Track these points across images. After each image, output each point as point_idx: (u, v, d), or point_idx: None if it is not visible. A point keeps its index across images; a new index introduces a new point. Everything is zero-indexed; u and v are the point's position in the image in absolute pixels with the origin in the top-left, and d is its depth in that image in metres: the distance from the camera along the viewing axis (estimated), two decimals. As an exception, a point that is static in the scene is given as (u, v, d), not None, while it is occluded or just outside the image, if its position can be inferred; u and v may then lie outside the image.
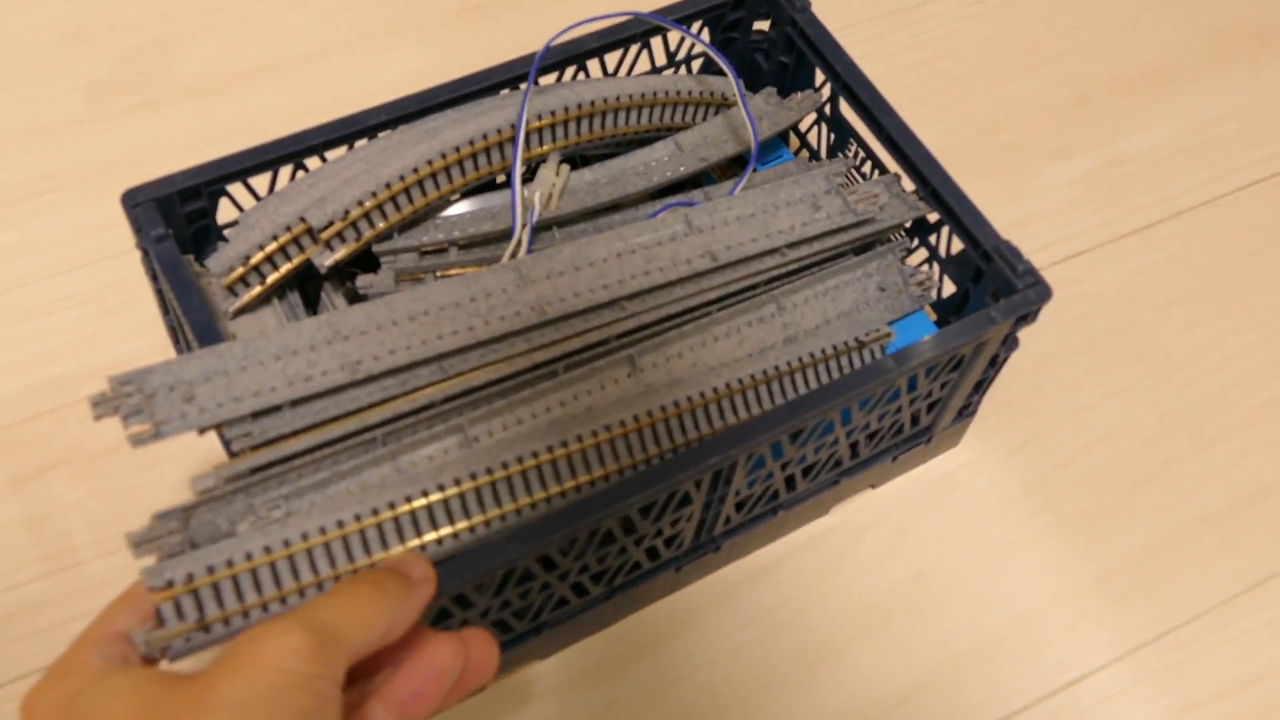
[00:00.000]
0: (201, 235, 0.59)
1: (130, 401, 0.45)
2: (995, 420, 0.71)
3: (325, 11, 0.87)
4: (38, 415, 0.68)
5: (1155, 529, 0.68)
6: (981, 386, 0.64)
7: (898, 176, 0.64)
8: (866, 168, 0.67)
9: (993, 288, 0.60)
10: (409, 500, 0.47)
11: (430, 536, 0.47)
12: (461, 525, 0.48)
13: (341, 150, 0.60)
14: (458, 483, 0.48)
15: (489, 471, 0.48)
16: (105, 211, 0.70)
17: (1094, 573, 0.67)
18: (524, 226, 0.59)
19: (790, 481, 0.60)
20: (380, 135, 0.61)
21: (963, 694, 0.63)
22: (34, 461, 0.67)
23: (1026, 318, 0.58)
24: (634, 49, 0.67)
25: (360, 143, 0.60)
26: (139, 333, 0.71)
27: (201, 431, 0.47)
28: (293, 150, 0.58)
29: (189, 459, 0.67)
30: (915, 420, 0.63)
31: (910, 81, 0.86)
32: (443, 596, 0.47)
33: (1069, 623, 0.65)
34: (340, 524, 0.45)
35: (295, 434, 0.49)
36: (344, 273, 0.60)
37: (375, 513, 0.46)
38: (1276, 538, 0.68)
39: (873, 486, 0.68)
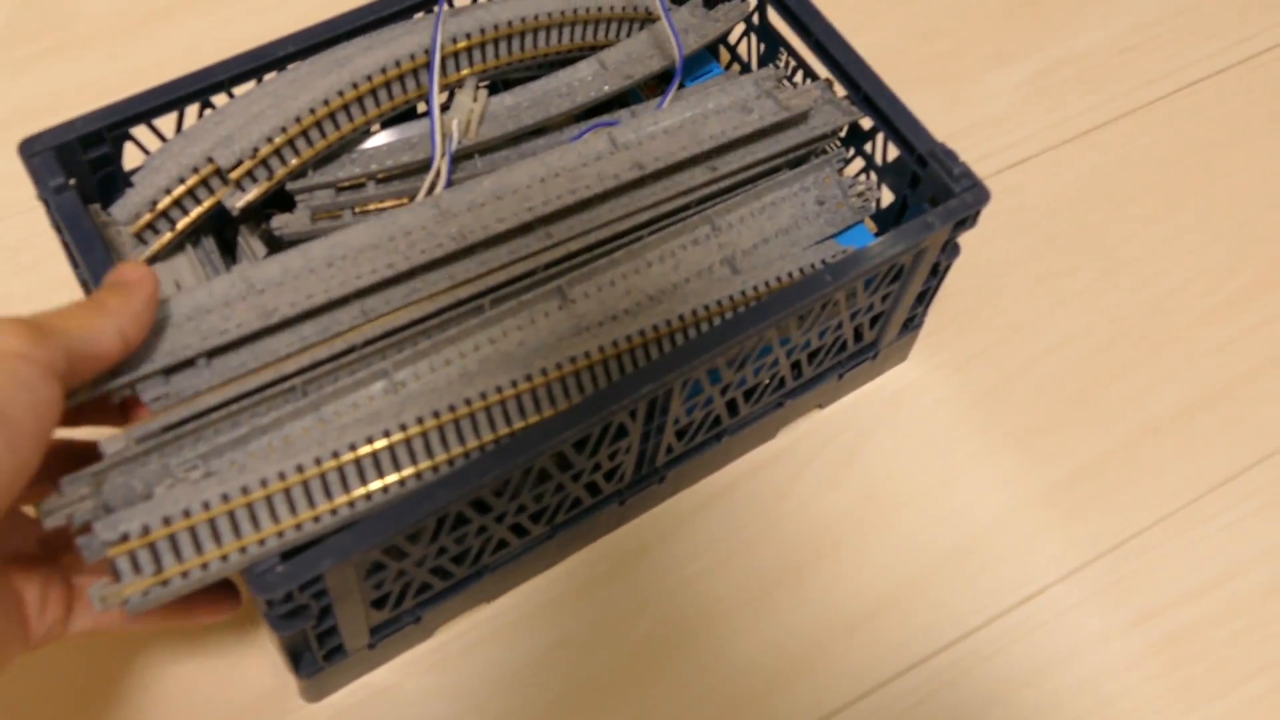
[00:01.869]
0: (108, 183, 0.56)
1: None
2: (943, 335, 0.69)
3: None
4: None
5: (1108, 437, 0.67)
6: (925, 297, 0.63)
7: (830, 82, 0.62)
8: (799, 78, 0.65)
9: (930, 193, 0.58)
10: (336, 455, 0.45)
11: (359, 492, 0.45)
12: (392, 479, 0.46)
13: (250, 85, 0.57)
14: (387, 434, 0.46)
15: (419, 421, 0.46)
16: (8, 164, 0.67)
17: (1047, 485, 0.66)
18: (442, 156, 0.56)
19: (732, 406, 0.59)
20: (289, 67, 0.58)
21: (918, 614, 0.62)
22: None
23: (965, 222, 0.57)
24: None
25: (269, 76, 0.58)
26: (52, 291, 0.67)
27: (119, 401, 0.45)
28: (198, 88, 0.55)
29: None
30: (859, 336, 0.62)
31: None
32: (373, 549, 0.45)
33: (1024, 537, 0.64)
34: (300, 468, 0.44)
35: (211, 390, 0.47)
36: (260, 214, 0.58)
37: (300, 470, 0.44)
38: (1230, 441, 0.67)
39: (820, 407, 0.66)
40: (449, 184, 0.56)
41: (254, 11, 0.81)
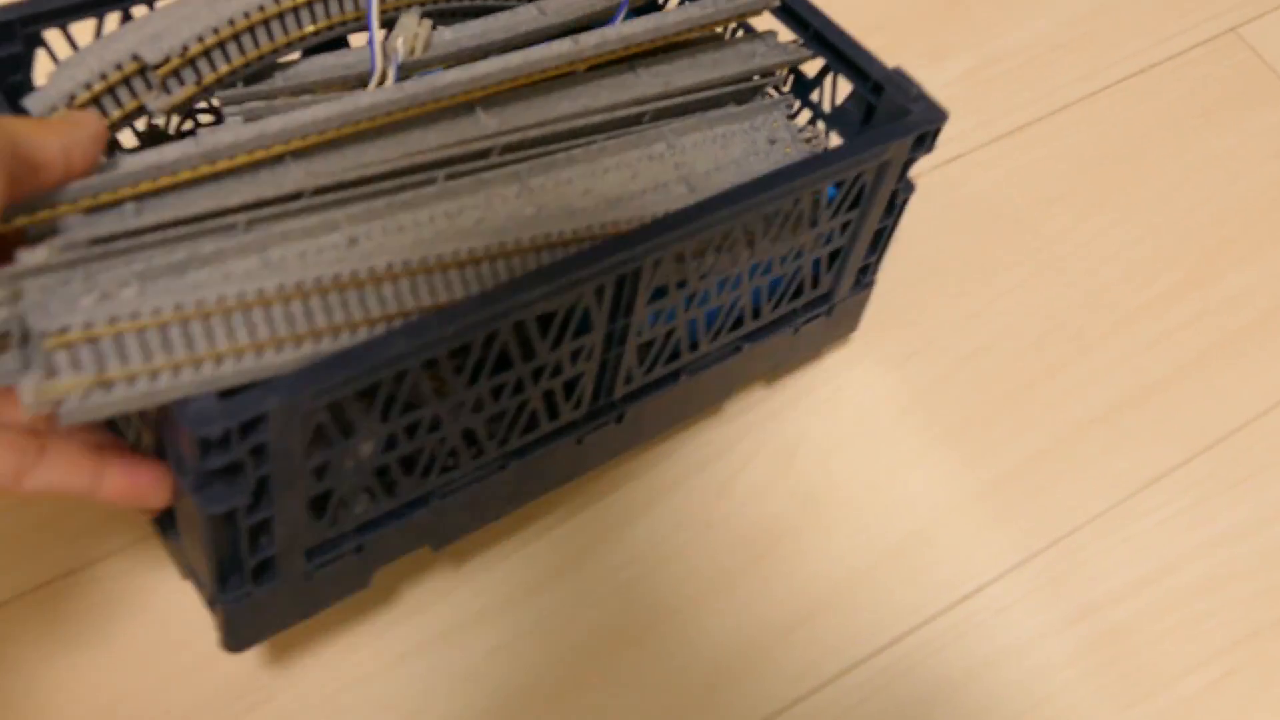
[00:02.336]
0: (18, 93, 0.52)
1: None
2: (880, 332, 0.68)
3: None
4: None
5: (1043, 435, 0.66)
6: (880, 242, 0.61)
7: (772, 33, 0.61)
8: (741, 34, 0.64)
9: (887, 119, 0.57)
10: (297, 287, 0.41)
11: (322, 325, 0.41)
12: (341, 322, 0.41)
13: None
14: (345, 277, 0.42)
15: (372, 271, 0.43)
16: None
17: (983, 483, 0.64)
18: (386, 61, 0.54)
19: (693, 334, 0.56)
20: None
21: (858, 613, 0.59)
22: None
23: (924, 141, 0.56)
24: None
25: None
26: None
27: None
28: (121, -11, 0.53)
29: None
30: (816, 281, 0.60)
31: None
32: (321, 397, 0.41)
33: (962, 535, 0.62)
34: (261, 292, 0.40)
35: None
36: (187, 132, 0.54)
37: (261, 294, 0.40)
38: (1162, 437, 0.66)
39: (768, 382, 0.63)
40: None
41: None
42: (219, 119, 0.53)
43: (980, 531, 0.62)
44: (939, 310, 0.70)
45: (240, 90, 0.52)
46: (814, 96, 0.62)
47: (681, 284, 0.52)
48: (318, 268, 0.42)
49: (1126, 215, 0.75)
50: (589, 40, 0.54)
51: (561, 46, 0.54)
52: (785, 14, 0.60)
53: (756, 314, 0.58)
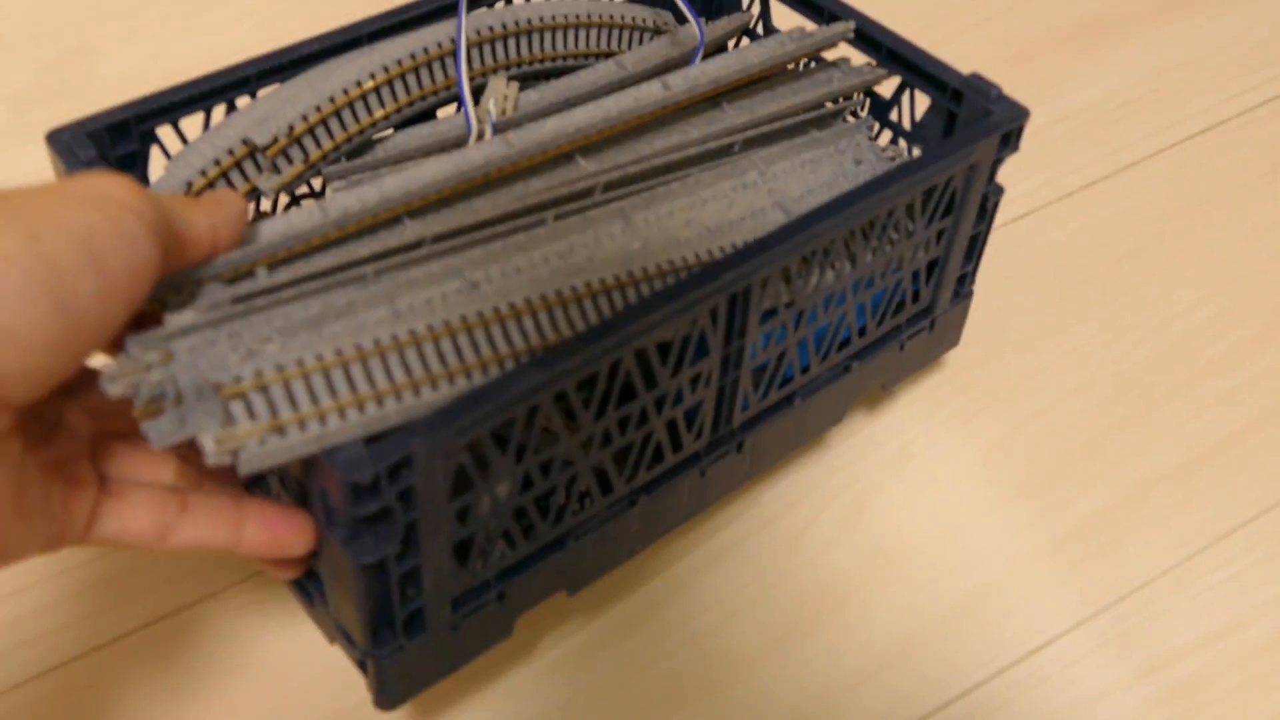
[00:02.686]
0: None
1: None
2: (950, 388, 0.68)
3: (249, 8, 0.84)
4: None
5: (1112, 490, 0.65)
6: (975, 249, 0.61)
7: (846, 60, 0.63)
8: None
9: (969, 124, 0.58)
10: (437, 329, 0.42)
11: (471, 362, 0.43)
12: (473, 362, 0.43)
13: (275, 87, 0.57)
14: (465, 320, 0.43)
15: (496, 311, 0.44)
16: None
17: (1052, 538, 0.63)
18: (481, 128, 0.56)
19: (804, 362, 0.56)
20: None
21: (926, 667, 0.58)
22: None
23: (1010, 139, 0.56)
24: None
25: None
26: None
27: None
28: (226, 83, 0.55)
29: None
30: (917, 295, 0.60)
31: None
32: (461, 435, 0.42)
33: (1029, 589, 0.61)
34: (413, 333, 0.42)
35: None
36: (298, 201, 0.56)
37: (413, 334, 0.42)
38: (1232, 493, 0.65)
39: (884, 387, 0.64)
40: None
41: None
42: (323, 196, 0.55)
43: (1049, 586, 0.61)
44: (1008, 366, 0.70)
45: (344, 165, 0.55)
46: (893, 116, 0.63)
47: (789, 304, 0.53)
48: (444, 312, 0.44)
49: (1196, 272, 0.75)
50: (678, 84, 0.56)
51: (653, 90, 0.55)
52: (858, 38, 0.61)
53: (863, 332, 0.59)
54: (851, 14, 0.61)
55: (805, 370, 0.57)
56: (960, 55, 0.84)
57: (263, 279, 0.44)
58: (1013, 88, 0.82)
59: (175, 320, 0.40)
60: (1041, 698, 0.57)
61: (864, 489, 0.64)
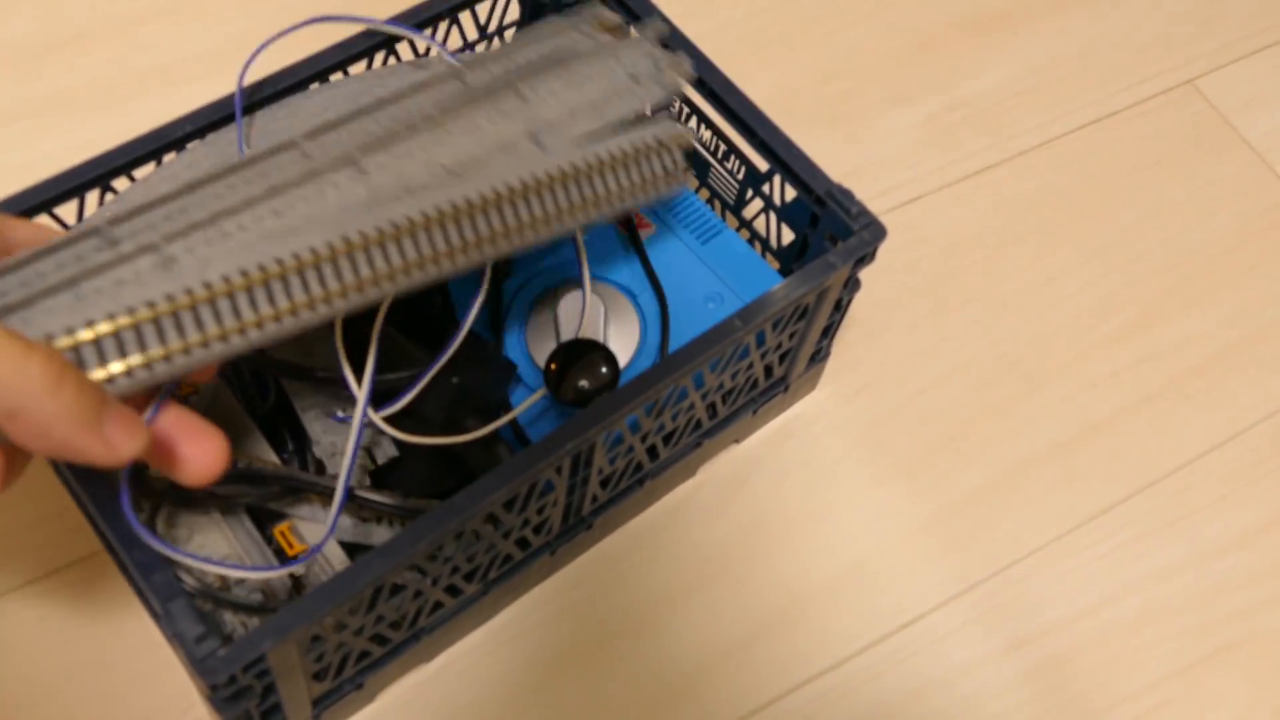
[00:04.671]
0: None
1: None
2: (832, 366, 0.71)
3: None
4: None
5: (989, 469, 0.70)
6: (830, 331, 0.65)
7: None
8: (692, 123, 0.66)
9: (829, 231, 0.60)
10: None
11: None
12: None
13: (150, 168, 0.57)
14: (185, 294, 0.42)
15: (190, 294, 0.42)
16: None
17: (929, 514, 0.68)
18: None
19: (653, 451, 0.60)
20: (189, 146, 0.58)
21: (799, 639, 0.63)
22: None
23: (865, 259, 0.58)
24: (442, 25, 0.64)
25: (168, 157, 0.58)
26: None
27: None
28: (97, 174, 0.55)
29: None
30: (769, 373, 0.63)
31: (746, 32, 0.85)
32: (314, 623, 0.46)
33: (904, 565, 0.66)
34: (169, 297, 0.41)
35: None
36: None
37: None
38: (1105, 474, 0.70)
39: (736, 442, 0.68)
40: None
41: (158, 44, 0.80)
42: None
43: (923, 562, 0.66)
44: (890, 346, 0.73)
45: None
46: (765, 188, 0.64)
47: (635, 429, 0.56)
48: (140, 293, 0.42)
49: (1080, 259, 0.77)
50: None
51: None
52: (733, 119, 0.61)
53: (714, 414, 0.62)
54: (731, 93, 0.61)
55: (654, 456, 0.61)
56: (859, 42, 0.85)
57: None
58: (908, 75, 0.84)
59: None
60: (911, 670, 0.63)
61: (743, 464, 0.68)
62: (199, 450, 0.43)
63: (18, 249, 0.43)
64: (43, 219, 0.55)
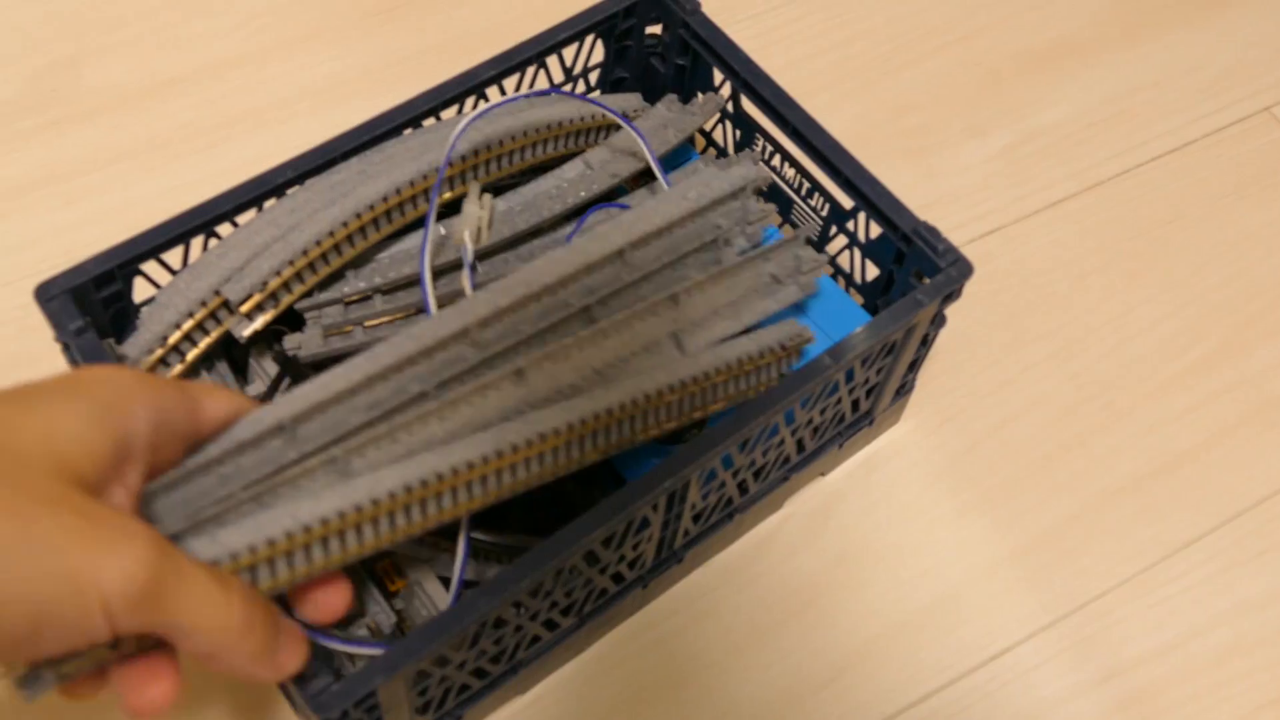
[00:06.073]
0: (120, 316, 0.58)
1: None
2: (917, 399, 0.71)
3: (236, 21, 0.85)
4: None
5: (1073, 501, 0.70)
6: (915, 365, 0.65)
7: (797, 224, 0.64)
8: (775, 160, 0.67)
9: (915, 268, 0.60)
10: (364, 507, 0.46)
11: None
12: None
13: (251, 214, 0.59)
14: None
15: (374, 503, 0.46)
16: (19, 232, 0.75)
17: (1014, 546, 0.68)
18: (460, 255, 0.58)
19: (743, 486, 0.61)
20: (289, 192, 0.60)
21: (886, 672, 0.64)
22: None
23: (951, 296, 0.59)
24: (530, 70, 0.66)
25: (269, 203, 0.59)
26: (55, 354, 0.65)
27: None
28: (201, 221, 0.57)
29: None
30: (856, 407, 0.64)
31: (820, 67, 0.86)
32: (423, 659, 0.47)
33: (990, 597, 0.66)
34: (341, 514, 0.45)
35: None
36: (272, 334, 0.59)
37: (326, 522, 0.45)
38: (1190, 505, 0.70)
39: (823, 475, 0.68)
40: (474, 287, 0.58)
41: (248, 87, 0.83)
42: (297, 321, 0.58)
43: (1009, 594, 0.67)
44: (973, 379, 0.73)
45: (318, 299, 0.58)
46: (850, 224, 0.65)
47: (729, 464, 0.57)
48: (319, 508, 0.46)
49: (1159, 289, 0.77)
50: (634, 252, 0.57)
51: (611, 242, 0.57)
52: (817, 156, 0.62)
53: (801, 448, 0.63)
54: (814, 130, 0.62)
55: (744, 491, 0.62)
56: (933, 75, 0.86)
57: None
58: (982, 108, 0.85)
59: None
60: (999, 703, 0.63)
61: (829, 497, 0.69)
62: (332, 596, 0.47)
63: (209, 423, 0.45)
64: (149, 264, 0.57)
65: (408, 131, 0.62)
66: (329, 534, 0.45)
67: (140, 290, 0.58)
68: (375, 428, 0.48)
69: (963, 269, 0.58)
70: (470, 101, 0.64)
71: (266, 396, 0.58)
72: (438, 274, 0.59)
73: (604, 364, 0.53)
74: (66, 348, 0.54)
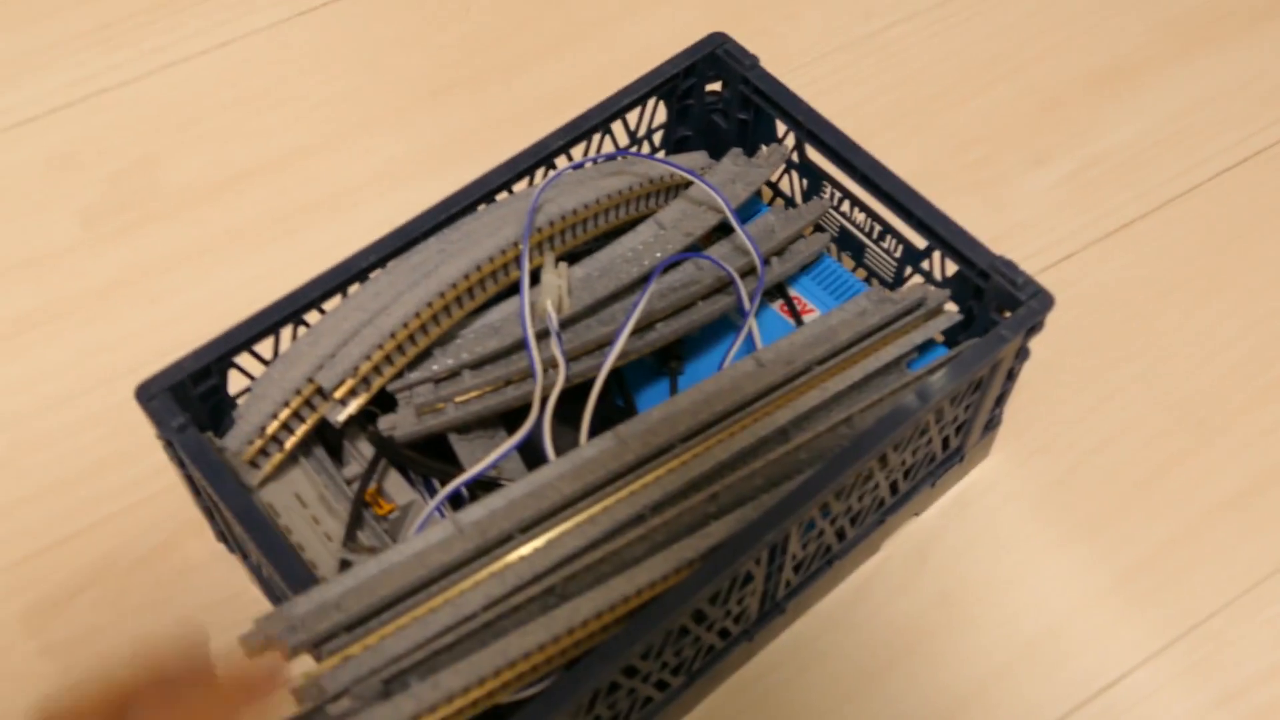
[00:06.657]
0: (217, 410, 0.59)
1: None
2: (1004, 433, 0.71)
3: (299, 112, 0.87)
4: (60, 541, 0.68)
5: (1173, 523, 0.69)
6: (1002, 399, 0.65)
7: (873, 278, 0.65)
8: (845, 206, 0.68)
9: (996, 303, 0.60)
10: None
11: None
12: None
13: (337, 299, 0.60)
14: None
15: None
16: (109, 332, 0.76)
17: (1117, 573, 0.67)
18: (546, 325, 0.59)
19: (840, 532, 0.61)
20: (372, 276, 0.61)
21: (1000, 711, 0.63)
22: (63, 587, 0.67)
23: (1035, 328, 0.59)
24: (596, 137, 0.67)
25: (354, 288, 0.61)
26: (152, 450, 0.66)
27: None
28: (290, 311, 0.58)
29: (219, 566, 0.67)
30: (946, 444, 0.64)
31: (879, 108, 0.86)
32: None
33: (1098, 626, 0.66)
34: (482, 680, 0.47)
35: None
36: (365, 415, 0.60)
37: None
38: None
39: (917, 514, 0.68)
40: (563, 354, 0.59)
41: (317, 175, 0.84)
42: (390, 402, 0.59)
43: (1117, 622, 0.66)
44: (1059, 407, 0.73)
45: (408, 379, 0.59)
46: (925, 264, 0.65)
47: (825, 514, 0.57)
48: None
49: (1238, 303, 0.77)
50: (770, 358, 0.59)
51: (745, 367, 0.58)
52: (887, 199, 0.63)
53: (895, 490, 0.63)
54: (882, 174, 0.63)
55: (841, 537, 0.62)
56: (992, 106, 0.86)
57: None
58: (1043, 135, 0.85)
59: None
60: None
61: (926, 536, 0.68)
62: None
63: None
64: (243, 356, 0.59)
65: (481, 207, 0.63)
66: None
67: (234, 382, 0.60)
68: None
69: (1044, 301, 0.58)
70: (540, 173, 0.65)
71: (363, 479, 0.59)
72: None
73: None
74: (169, 445, 0.56)
